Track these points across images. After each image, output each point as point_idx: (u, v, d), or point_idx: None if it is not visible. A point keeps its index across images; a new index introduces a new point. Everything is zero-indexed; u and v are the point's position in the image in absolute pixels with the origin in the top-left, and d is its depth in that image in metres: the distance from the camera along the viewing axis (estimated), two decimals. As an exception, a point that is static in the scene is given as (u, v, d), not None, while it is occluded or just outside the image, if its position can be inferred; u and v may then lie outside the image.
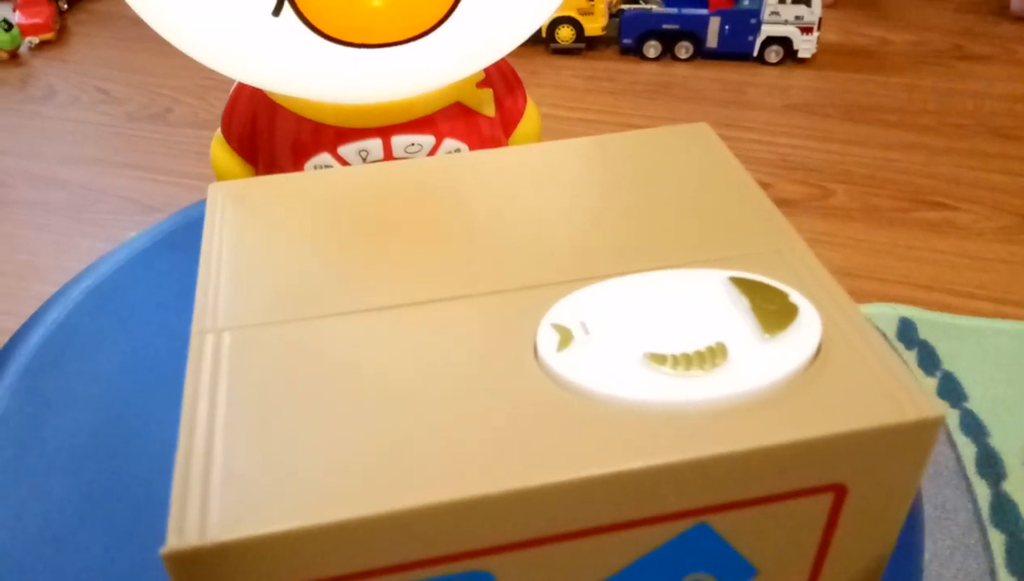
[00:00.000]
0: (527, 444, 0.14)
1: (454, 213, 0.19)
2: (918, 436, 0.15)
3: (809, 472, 0.15)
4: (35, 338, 0.32)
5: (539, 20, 0.26)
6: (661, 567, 0.16)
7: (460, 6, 0.22)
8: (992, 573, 0.51)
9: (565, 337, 0.16)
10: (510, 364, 0.16)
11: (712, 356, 0.15)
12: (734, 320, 0.16)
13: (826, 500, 0.15)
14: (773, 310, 0.16)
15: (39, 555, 0.25)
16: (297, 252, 0.18)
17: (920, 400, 0.15)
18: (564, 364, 0.15)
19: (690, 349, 0.15)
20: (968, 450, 0.58)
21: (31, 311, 0.40)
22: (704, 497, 0.15)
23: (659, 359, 0.15)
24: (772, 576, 0.16)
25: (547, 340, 0.16)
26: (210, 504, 0.13)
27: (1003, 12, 1.23)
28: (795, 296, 0.16)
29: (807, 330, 0.16)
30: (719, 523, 0.15)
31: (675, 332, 0.15)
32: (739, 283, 0.17)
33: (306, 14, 0.22)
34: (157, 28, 0.24)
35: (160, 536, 0.25)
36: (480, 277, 0.18)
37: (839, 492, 0.15)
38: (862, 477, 0.15)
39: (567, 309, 0.17)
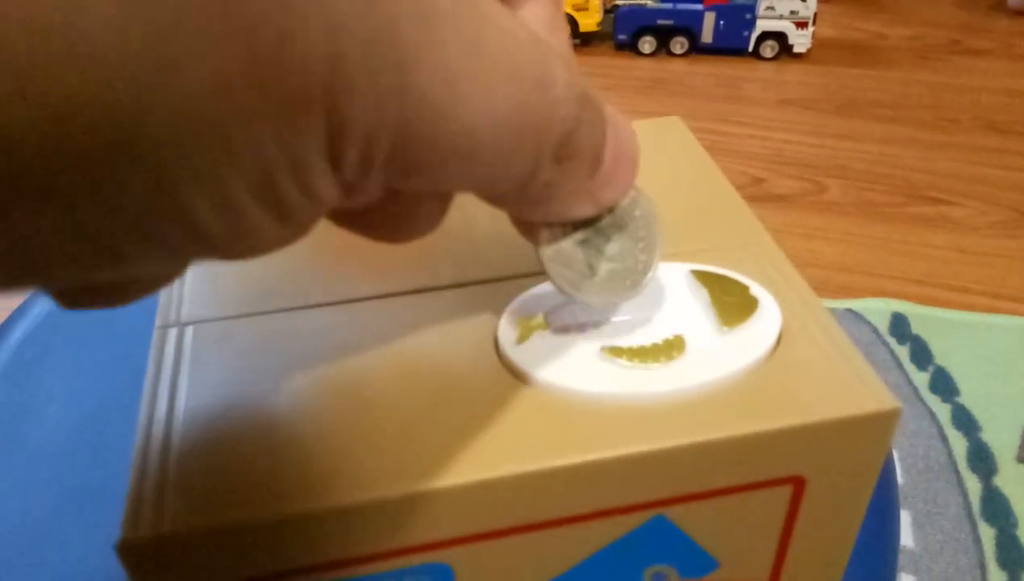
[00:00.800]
0: (485, 436, 0.14)
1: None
2: (876, 428, 0.15)
3: (767, 464, 0.15)
4: (17, 333, 0.32)
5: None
6: (621, 559, 0.16)
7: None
8: (982, 567, 0.51)
9: (525, 330, 0.16)
10: (470, 357, 0.16)
11: (669, 348, 0.15)
12: (693, 312, 0.16)
13: (785, 492, 0.15)
14: (733, 302, 0.16)
15: (19, 549, 0.25)
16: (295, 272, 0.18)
17: (878, 392, 0.15)
18: (523, 357, 0.15)
19: (647, 342, 0.15)
20: (960, 445, 0.58)
21: (12, 304, 0.39)
22: (662, 489, 0.15)
23: (616, 351, 0.15)
24: (734, 568, 0.16)
25: (507, 333, 0.16)
26: (165, 497, 0.13)
27: (1000, 6, 1.22)
28: (756, 289, 0.16)
29: (767, 323, 0.16)
30: (678, 515, 0.15)
31: (634, 325, 0.16)
32: (700, 276, 0.17)
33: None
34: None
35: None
36: (443, 271, 0.18)
37: (798, 484, 0.15)
38: (821, 469, 0.15)
39: (527, 302, 0.17)
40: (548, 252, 0.15)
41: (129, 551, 0.13)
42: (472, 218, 0.19)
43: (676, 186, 0.20)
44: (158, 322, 0.17)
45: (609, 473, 0.14)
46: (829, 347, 0.16)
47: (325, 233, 0.19)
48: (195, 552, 0.13)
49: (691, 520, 0.15)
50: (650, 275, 0.15)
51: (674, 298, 0.16)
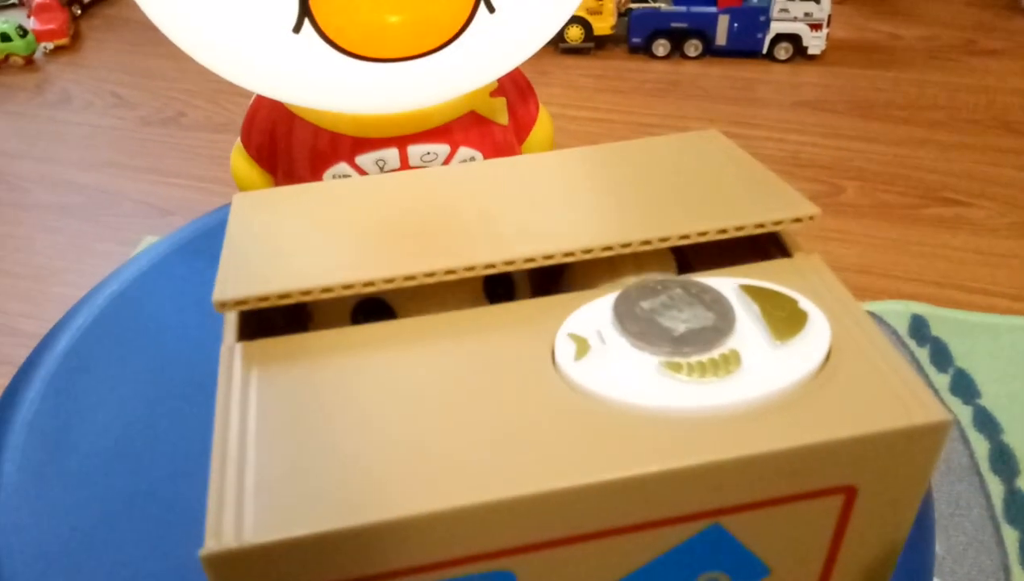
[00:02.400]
0: (547, 449, 0.15)
1: (474, 215, 0.20)
2: (926, 439, 0.15)
3: (820, 474, 0.15)
4: (62, 344, 0.33)
5: (550, 32, 0.26)
6: (676, 566, 0.16)
7: (473, 21, 0.23)
8: (1006, 569, 0.51)
9: (582, 347, 0.16)
10: (529, 373, 0.16)
11: (726, 363, 0.16)
12: (746, 327, 0.16)
13: (837, 501, 0.16)
14: (783, 317, 0.16)
15: (70, 553, 0.25)
16: (321, 259, 0.19)
17: (929, 404, 0.15)
18: (581, 373, 0.16)
19: (705, 357, 0.16)
20: (982, 447, 0.58)
21: (50, 314, 0.40)
22: (718, 499, 0.15)
23: (675, 367, 0.16)
24: (784, 575, 0.17)
25: (564, 350, 0.16)
26: (245, 509, 0.14)
27: (1014, 6, 1.22)
28: (804, 302, 0.17)
29: (817, 336, 0.16)
30: (733, 524, 0.16)
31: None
32: (749, 290, 0.17)
33: (325, 30, 0.22)
34: (179, 43, 0.25)
35: (186, 535, 0.26)
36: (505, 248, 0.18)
37: (849, 494, 0.16)
38: (872, 479, 0.15)
39: (582, 319, 0.17)
40: None
41: (213, 562, 0.14)
42: (532, 212, 0.19)
43: (725, 177, 0.20)
44: (224, 339, 0.17)
45: (669, 485, 0.15)
46: (878, 358, 0.16)
47: (385, 244, 0.19)
48: (274, 562, 0.14)
49: (745, 529, 0.16)
50: None
51: (728, 313, 0.17)
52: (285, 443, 0.15)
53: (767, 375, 0.15)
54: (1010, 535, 0.53)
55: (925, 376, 0.64)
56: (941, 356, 0.66)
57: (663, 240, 0.18)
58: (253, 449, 0.15)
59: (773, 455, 0.15)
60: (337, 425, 0.16)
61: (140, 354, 0.32)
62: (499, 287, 0.21)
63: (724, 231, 0.18)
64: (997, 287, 0.73)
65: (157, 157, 0.98)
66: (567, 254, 0.18)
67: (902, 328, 0.68)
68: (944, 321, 0.69)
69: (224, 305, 0.17)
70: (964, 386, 0.64)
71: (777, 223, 0.18)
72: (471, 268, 0.18)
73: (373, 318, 0.18)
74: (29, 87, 1.16)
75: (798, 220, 0.18)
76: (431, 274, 0.18)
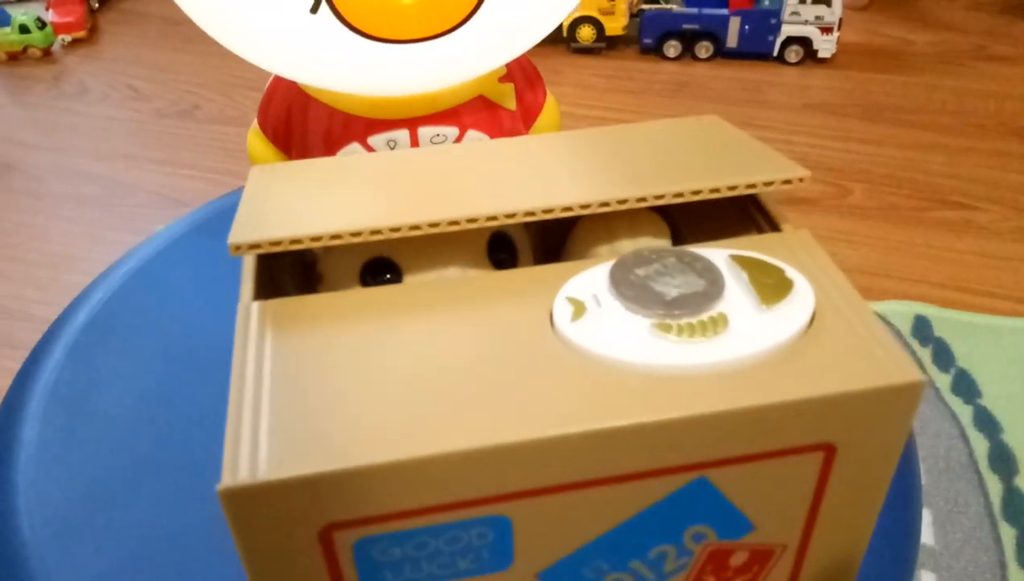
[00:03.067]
0: (543, 401, 0.16)
1: (478, 179, 0.21)
2: (902, 399, 0.16)
3: (801, 431, 0.16)
4: (81, 317, 0.34)
5: (558, 18, 0.27)
6: (665, 519, 0.17)
7: (484, 5, 0.24)
8: (1002, 566, 0.52)
9: (578, 309, 0.17)
10: (528, 333, 0.17)
11: (714, 325, 0.17)
12: (735, 292, 0.17)
13: (817, 458, 0.17)
14: (770, 284, 0.17)
15: (88, 514, 0.27)
16: (332, 213, 0.20)
17: (904, 365, 0.16)
18: (577, 333, 0.17)
19: (694, 319, 0.17)
20: (981, 445, 0.59)
21: (64, 300, 0.41)
22: (704, 452, 0.16)
23: (665, 328, 0.16)
24: (768, 531, 0.18)
25: (562, 312, 0.17)
26: (259, 448, 0.15)
27: (1022, 11, 1.22)
28: (790, 271, 0.18)
29: (801, 302, 0.17)
30: (718, 478, 0.16)
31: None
32: (739, 260, 0.18)
33: (342, 11, 0.23)
34: (200, 23, 0.26)
35: (198, 497, 0.27)
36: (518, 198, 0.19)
37: (829, 451, 0.16)
38: (850, 437, 0.16)
39: (580, 284, 0.18)
40: None
41: (229, 496, 0.15)
42: (541, 175, 0.20)
43: (724, 146, 0.21)
44: (241, 300, 0.18)
45: (657, 435, 0.15)
46: (858, 324, 0.17)
47: (399, 207, 0.20)
48: (285, 498, 0.15)
49: (730, 483, 0.17)
50: None
51: (718, 280, 0.17)
52: (297, 390, 0.16)
53: (753, 337, 0.16)
54: (1007, 533, 0.54)
55: (928, 376, 0.64)
56: (943, 356, 0.66)
57: (658, 197, 0.19)
58: (267, 395, 0.16)
59: (755, 409, 0.16)
60: (346, 376, 0.17)
61: (156, 326, 0.33)
62: (502, 253, 0.22)
63: (716, 190, 0.19)
64: (1001, 290, 0.73)
65: (171, 149, 0.99)
66: (565, 209, 0.19)
67: (906, 328, 0.69)
68: (947, 322, 0.69)
69: (239, 247, 0.18)
70: (965, 386, 0.64)
71: (768, 184, 0.19)
72: (474, 220, 0.19)
73: (381, 278, 0.19)
74: (47, 79, 1.18)
75: (787, 181, 0.19)
76: (435, 224, 0.19)
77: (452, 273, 0.21)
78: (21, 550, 0.25)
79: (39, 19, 1.22)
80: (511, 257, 0.22)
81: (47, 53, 1.23)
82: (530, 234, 0.23)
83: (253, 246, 0.19)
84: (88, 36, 1.28)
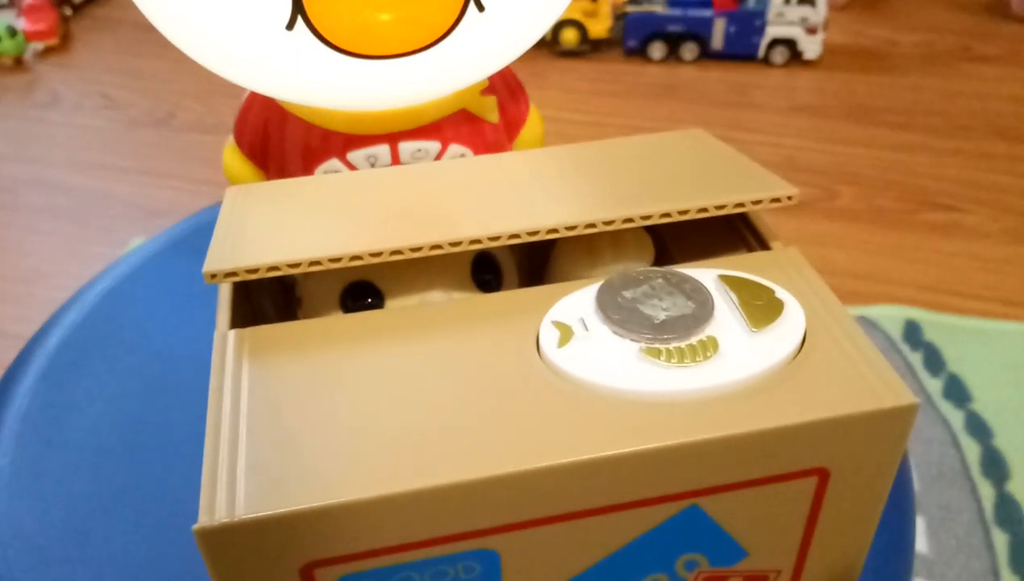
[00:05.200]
0: (530, 430, 0.15)
1: (461, 200, 0.20)
2: (895, 422, 0.15)
3: (793, 456, 0.16)
4: (54, 340, 0.33)
5: (540, 31, 0.27)
6: (657, 547, 0.16)
7: (464, 19, 0.23)
8: (995, 572, 0.51)
9: (565, 334, 0.17)
10: (514, 359, 0.17)
11: (704, 349, 0.16)
12: (724, 315, 0.17)
13: (811, 483, 0.16)
14: (760, 305, 0.17)
15: (63, 545, 0.26)
16: (310, 238, 0.19)
17: (897, 388, 0.15)
18: (564, 358, 0.16)
19: (684, 343, 0.16)
20: (973, 451, 0.59)
21: (40, 316, 0.40)
22: (695, 480, 0.15)
23: (655, 352, 0.16)
24: (761, 557, 0.17)
25: (549, 337, 0.17)
26: (237, 486, 0.14)
27: (1006, 12, 1.23)
28: (780, 292, 0.17)
29: (792, 324, 0.16)
30: (710, 505, 0.16)
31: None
32: (728, 280, 0.17)
33: (318, 28, 0.23)
34: (172, 39, 0.25)
35: (176, 528, 0.26)
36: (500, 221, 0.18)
37: (822, 476, 0.16)
38: (843, 461, 0.16)
39: (566, 308, 0.17)
40: None
41: (205, 536, 0.14)
42: (525, 194, 0.20)
43: (711, 163, 0.21)
44: (218, 327, 0.18)
45: (647, 464, 0.15)
46: (850, 347, 0.16)
47: (377, 231, 0.19)
48: (263, 537, 0.14)
49: (723, 510, 0.16)
50: None
51: (707, 302, 0.17)
52: (275, 424, 0.16)
53: (743, 361, 0.16)
54: (1000, 538, 0.54)
55: (918, 381, 0.64)
56: (934, 361, 0.66)
57: (645, 218, 0.18)
58: (245, 430, 0.15)
59: (748, 436, 0.15)
60: (326, 408, 0.16)
61: (132, 349, 0.32)
62: (487, 273, 0.21)
63: (704, 210, 0.18)
64: (990, 292, 0.73)
65: (147, 158, 0.97)
66: (551, 230, 0.18)
67: (896, 333, 0.68)
68: (937, 326, 0.69)
69: (215, 276, 0.18)
70: (956, 391, 0.64)
71: (756, 202, 0.19)
72: (457, 243, 0.18)
73: (361, 302, 0.19)
74: (18, 88, 1.15)
75: (776, 200, 0.19)
76: (417, 249, 0.18)
77: (435, 296, 0.20)
78: (-7, 585, 0.24)
79: (10, 27, 1.19)
80: (496, 277, 0.21)
81: (19, 61, 1.21)
82: (514, 252, 0.23)
83: (229, 274, 0.18)
84: (61, 44, 1.26)
